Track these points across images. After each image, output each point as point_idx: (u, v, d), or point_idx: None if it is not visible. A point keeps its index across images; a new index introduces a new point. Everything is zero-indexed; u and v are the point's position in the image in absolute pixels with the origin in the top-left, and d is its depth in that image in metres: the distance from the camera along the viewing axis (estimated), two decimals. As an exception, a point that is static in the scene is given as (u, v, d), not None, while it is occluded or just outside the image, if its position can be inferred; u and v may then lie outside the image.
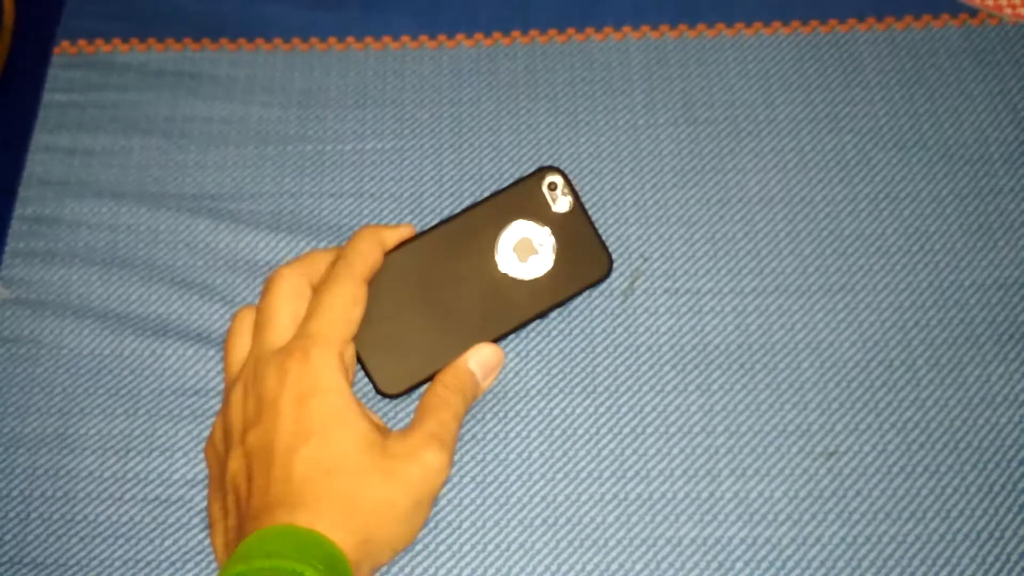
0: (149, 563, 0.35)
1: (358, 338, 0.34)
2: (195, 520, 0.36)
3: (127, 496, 0.36)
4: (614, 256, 0.39)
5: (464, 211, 0.36)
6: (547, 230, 0.35)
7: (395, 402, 0.37)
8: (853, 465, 0.36)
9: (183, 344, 0.38)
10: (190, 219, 0.41)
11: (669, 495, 0.35)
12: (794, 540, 0.35)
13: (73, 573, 0.35)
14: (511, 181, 0.36)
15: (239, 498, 0.31)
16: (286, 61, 0.44)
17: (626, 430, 0.37)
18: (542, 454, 0.36)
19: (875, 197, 0.40)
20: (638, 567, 0.34)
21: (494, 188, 0.41)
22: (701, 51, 0.44)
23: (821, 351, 0.38)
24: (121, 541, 0.35)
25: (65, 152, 0.42)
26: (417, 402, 0.34)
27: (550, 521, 0.35)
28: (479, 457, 0.36)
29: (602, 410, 0.37)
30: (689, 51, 0.44)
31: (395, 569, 0.35)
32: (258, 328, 0.33)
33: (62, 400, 0.38)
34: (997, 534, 0.35)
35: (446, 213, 0.41)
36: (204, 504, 0.36)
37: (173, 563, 0.35)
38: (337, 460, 0.30)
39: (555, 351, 0.38)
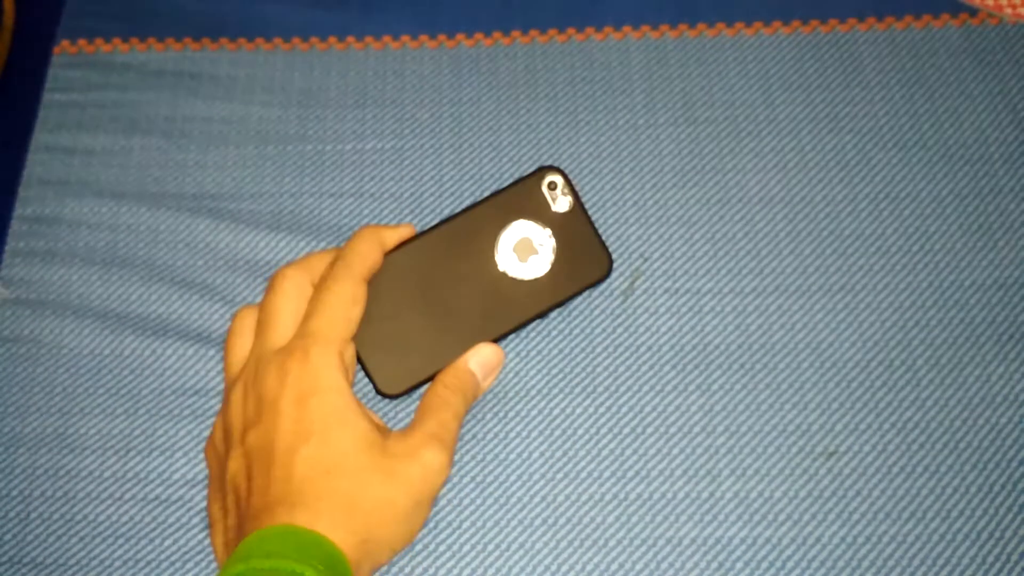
0: (149, 563, 0.35)
1: (358, 338, 0.34)
2: (195, 520, 0.36)
3: (127, 496, 0.36)
4: (614, 256, 0.39)
5: (464, 211, 0.36)
6: (547, 230, 0.35)
7: (395, 402, 0.37)
8: (853, 465, 0.36)
9: (183, 344, 0.38)
10: (190, 219, 0.41)
11: (669, 495, 0.35)
12: (794, 540, 0.35)
13: (73, 573, 0.35)
14: (511, 181, 0.36)
15: (239, 498, 0.31)
16: (286, 61, 0.44)
17: (626, 430, 0.36)
18: (542, 454, 0.36)
19: (875, 197, 0.40)
20: (638, 567, 0.34)
21: (494, 188, 0.41)
22: (701, 51, 0.44)
23: (821, 351, 0.38)
24: (121, 541, 0.35)
25: (65, 152, 0.42)
26: (417, 403, 0.34)
27: (550, 521, 0.35)
28: (479, 457, 0.36)
29: (602, 410, 0.37)
30: (689, 51, 0.44)
31: (395, 569, 0.35)
32: (260, 328, 0.33)
33: (62, 400, 0.38)
34: (997, 534, 0.35)
35: (446, 213, 0.41)
36: (204, 504, 0.36)
37: (173, 563, 0.35)
38: (337, 460, 0.30)
39: (555, 351, 0.38)
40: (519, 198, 0.36)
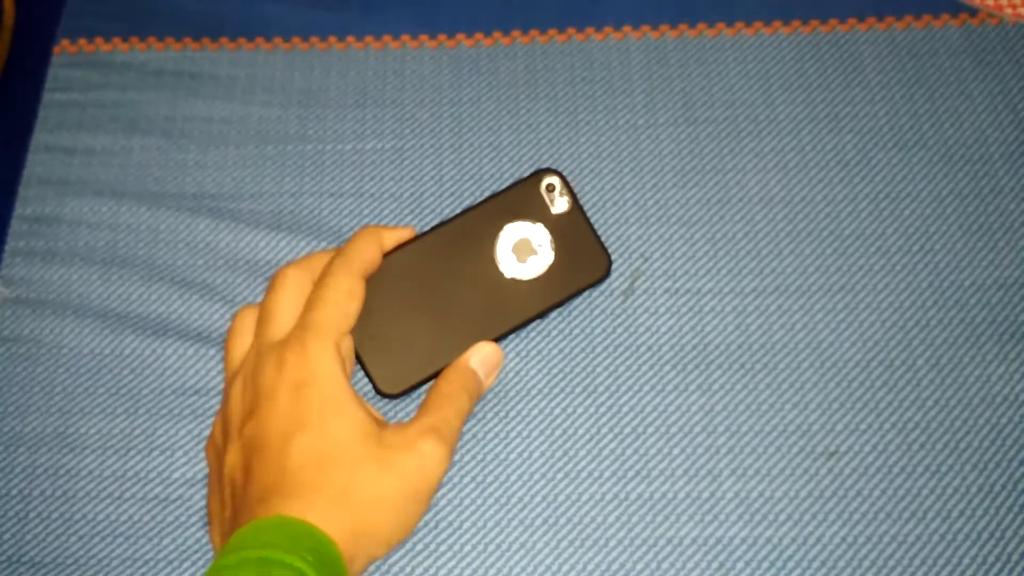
0: (147, 562, 0.35)
1: (357, 338, 0.34)
2: (194, 519, 0.36)
3: (126, 495, 0.36)
4: (615, 256, 0.39)
5: (463, 212, 0.36)
6: (546, 231, 0.35)
7: (395, 403, 0.37)
8: (854, 465, 0.36)
9: (183, 343, 0.38)
10: (190, 218, 0.41)
11: (670, 495, 0.35)
12: (795, 540, 0.35)
13: (71, 572, 0.35)
14: (510, 183, 0.36)
15: (235, 490, 0.31)
16: (286, 61, 0.44)
17: (627, 430, 0.36)
18: (543, 454, 0.36)
19: (875, 197, 0.40)
20: (639, 567, 0.34)
21: (494, 188, 0.41)
22: (701, 51, 0.44)
23: (822, 351, 0.38)
24: (120, 540, 0.35)
25: (65, 151, 0.42)
26: (418, 403, 0.34)
27: (551, 521, 0.35)
28: (480, 457, 0.36)
29: (603, 409, 0.37)
30: (689, 51, 0.44)
31: (396, 569, 0.35)
32: (260, 323, 0.33)
33: (62, 399, 0.38)
34: (998, 534, 0.35)
35: (446, 213, 0.41)
36: (203, 503, 0.36)
37: (171, 562, 0.35)
38: (332, 449, 0.30)
39: (556, 350, 0.38)
40: (517, 200, 0.36)
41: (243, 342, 0.34)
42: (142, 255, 0.40)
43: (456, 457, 0.36)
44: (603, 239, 0.40)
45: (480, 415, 0.37)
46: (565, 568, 0.34)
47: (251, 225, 0.40)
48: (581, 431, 0.37)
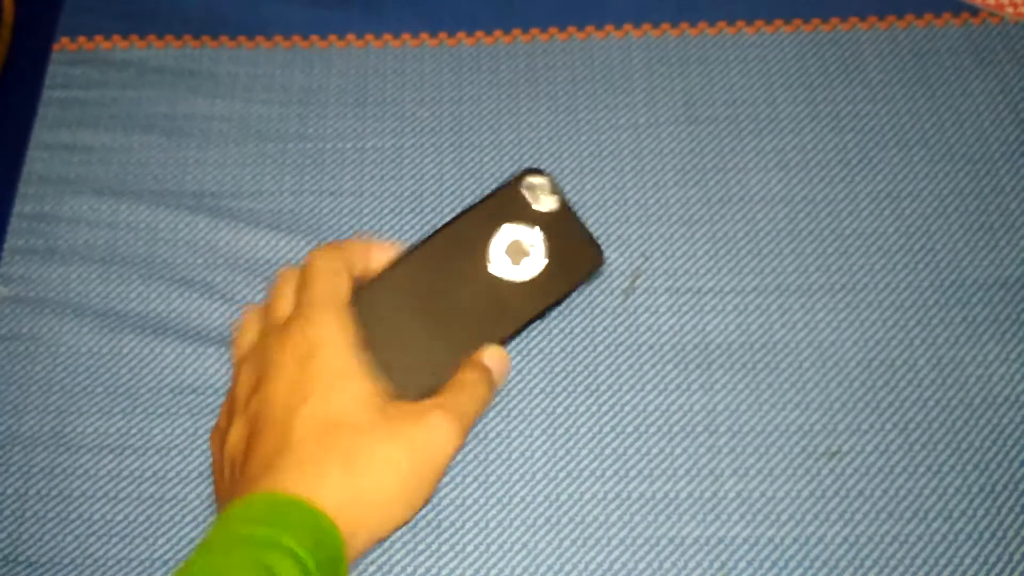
0: (143, 562, 0.35)
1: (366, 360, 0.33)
2: (189, 518, 0.35)
3: (123, 495, 0.36)
4: (616, 255, 0.39)
5: (450, 222, 0.35)
6: (536, 230, 0.35)
7: None
8: (855, 465, 0.36)
9: (182, 342, 0.38)
10: (190, 217, 0.41)
11: (672, 494, 0.35)
12: (796, 540, 0.35)
13: (68, 572, 0.35)
14: (496, 186, 0.36)
15: (235, 468, 0.30)
16: (286, 59, 0.44)
17: (629, 428, 0.36)
18: (545, 452, 0.36)
19: (877, 196, 0.40)
20: (640, 566, 0.34)
21: (495, 187, 0.41)
22: (703, 49, 0.43)
23: (823, 350, 0.38)
24: (116, 540, 0.35)
25: (65, 149, 0.42)
26: None
27: (553, 520, 0.35)
28: (482, 456, 0.36)
29: (604, 408, 0.37)
30: (691, 49, 0.44)
31: (397, 569, 0.34)
32: (264, 313, 0.33)
33: (59, 398, 0.37)
34: (999, 534, 0.35)
35: (447, 212, 0.40)
36: (199, 503, 0.36)
37: (166, 562, 0.35)
38: (336, 418, 0.29)
39: (557, 349, 0.38)
40: (503, 203, 0.35)
41: (250, 336, 0.33)
42: (141, 253, 0.40)
43: (457, 456, 0.36)
44: (604, 239, 0.40)
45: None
46: (567, 567, 0.34)
47: (251, 224, 0.40)
48: (583, 430, 0.36)
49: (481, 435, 0.36)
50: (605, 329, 0.38)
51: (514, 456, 0.36)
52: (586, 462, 0.36)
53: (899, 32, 0.44)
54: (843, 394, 0.37)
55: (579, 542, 0.35)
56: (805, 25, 0.44)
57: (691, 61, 0.43)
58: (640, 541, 0.35)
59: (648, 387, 0.37)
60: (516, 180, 0.35)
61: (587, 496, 0.35)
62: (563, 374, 0.37)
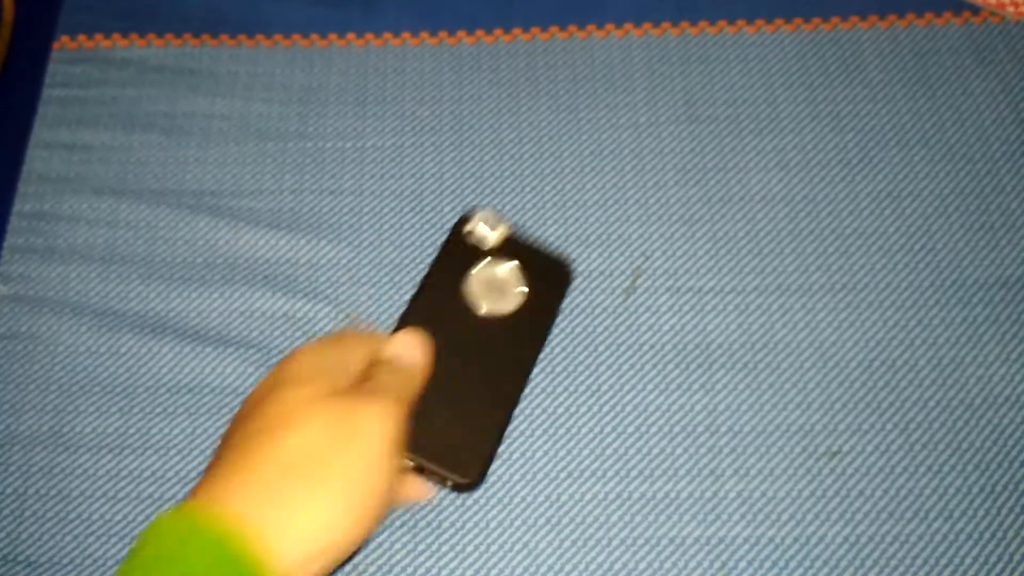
0: (146, 562, 0.35)
1: (412, 447, 0.30)
2: (193, 518, 0.35)
3: (121, 494, 0.36)
4: (616, 255, 0.39)
5: (420, 290, 0.34)
6: (500, 262, 0.34)
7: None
8: (856, 465, 0.36)
9: (181, 341, 0.38)
10: (190, 216, 0.41)
11: (672, 494, 0.35)
12: (797, 539, 0.35)
13: (67, 571, 0.35)
14: (443, 239, 0.35)
15: (231, 432, 0.27)
16: (287, 58, 0.44)
17: (630, 428, 0.36)
18: (546, 453, 0.36)
19: (877, 195, 0.40)
20: (641, 566, 0.34)
21: (495, 186, 0.41)
22: (703, 48, 0.43)
23: (824, 350, 0.38)
24: (115, 539, 0.35)
25: (64, 148, 0.42)
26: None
27: (554, 520, 0.35)
28: (480, 455, 0.36)
29: (606, 408, 0.37)
30: (691, 48, 0.43)
31: (397, 569, 0.34)
32: (327, 360, 0.29)
33: (58, 398, 0.37)
34: (1000, 534, 0.35)
35: (447, 211, 0.40)
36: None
37: (171, 562, 0.35)
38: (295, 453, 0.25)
39: (558, 349, 0.38)
40: (456, 255, 0.34)
41: (323, 351, 0.29)
42: (141, 252, 0.40)
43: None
44: (604, 238, 0.40)
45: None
46: (568, 567, 0.34)
47: (251, 222, 0.40)
48: (584, 430, 0.36)
49: (481, 434, 0.36)
50: (606, 328, 0.38)
51: (515, 456, 0.36)
52: (587, 462, 0.36)
53: (900, 31, 0.44)
54: (844, 394, 0.37)
55: (580, 542, 0.35)
56: (806, 24, 0.44)
57: (692, 60, 0.43)
58: (641, 541, 0.35)
59: (649, 387, 0.37)
60: (457, 230, 0.34)
61: (588, 496, 0.35)
62: (564, 374, 0.37)
